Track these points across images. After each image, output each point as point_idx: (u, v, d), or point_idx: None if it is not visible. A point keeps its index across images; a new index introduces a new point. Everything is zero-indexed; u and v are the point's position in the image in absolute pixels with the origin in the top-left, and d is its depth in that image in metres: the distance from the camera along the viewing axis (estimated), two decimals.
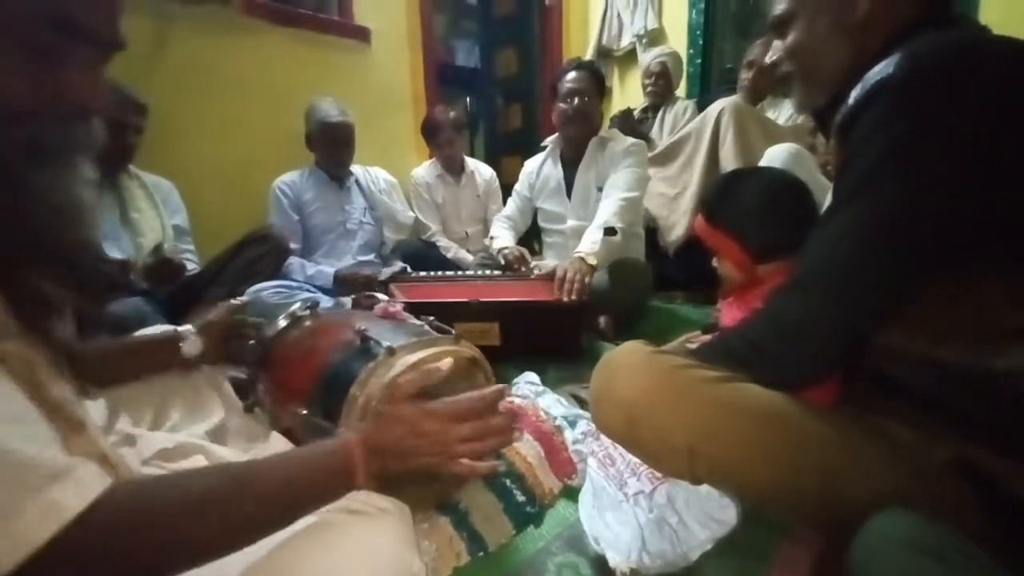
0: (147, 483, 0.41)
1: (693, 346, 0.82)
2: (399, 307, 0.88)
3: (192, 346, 0.77)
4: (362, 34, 2.31)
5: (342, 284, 1.75)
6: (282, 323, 0.85)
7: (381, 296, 0.98)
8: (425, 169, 2.32)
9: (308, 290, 1.70)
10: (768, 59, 0.74)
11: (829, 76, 0.65)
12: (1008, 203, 0.49)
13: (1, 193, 0.36)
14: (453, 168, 2.31)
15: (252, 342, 0.83)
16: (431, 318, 0.86)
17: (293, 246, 1.81)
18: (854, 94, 0.58)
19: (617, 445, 0.75)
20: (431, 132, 2.26)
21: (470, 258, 2.13)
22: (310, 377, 0.74)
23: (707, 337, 0.87)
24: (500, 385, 0.62)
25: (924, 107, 0.50)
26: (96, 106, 0.41)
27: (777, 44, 0.70)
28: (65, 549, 0.30)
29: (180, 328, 0.79)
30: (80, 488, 0.32)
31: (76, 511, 0.31)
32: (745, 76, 2.13)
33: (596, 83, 1.76)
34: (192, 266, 1.60)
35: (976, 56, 0.51)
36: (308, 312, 0.88)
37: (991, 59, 0.51)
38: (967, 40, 0.56)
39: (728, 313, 0.89)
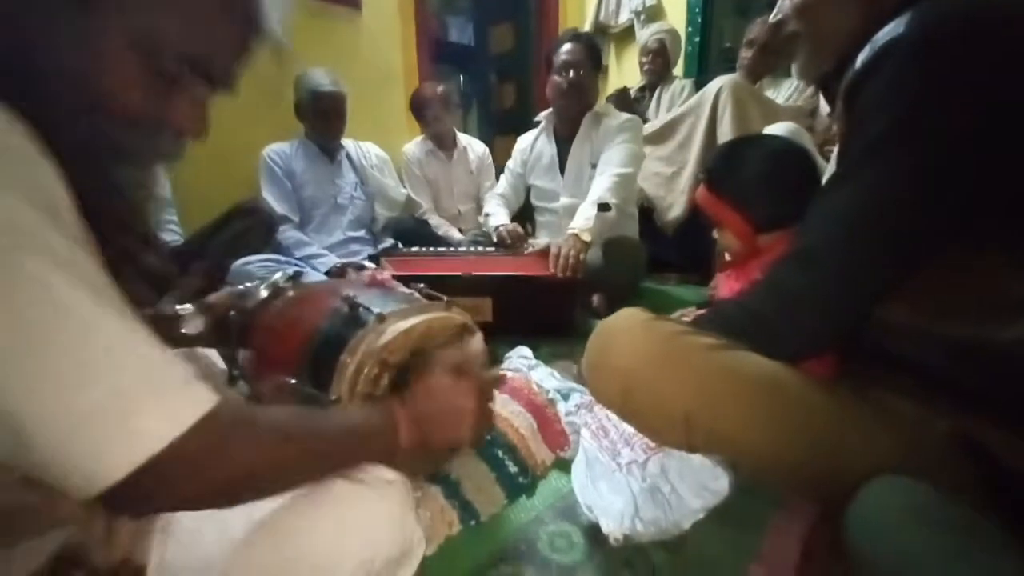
0: (246, 404, 0.45)
1: (688, 319, 0.81)
2: (387, 275, 0.86)
3: (193, 326, 0.75)
4: (351, 0, 2.24)
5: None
6: (264, 293, 0.82)
7: (369, 264, 0.95)
8: (416, 145, 2.27)
9: (298, 265, 1.66)
10: (773, 18, 0.71)
11: (837, 37, 0.63)
12: (1017, 170, 0.47)
13: (85, 176, 0.38)
14: (444, 144, 2.26)
15: (232, 313, 0.81)
16: (421, 285, 0.84)
17: (290, 216, 1.77)
18: (862, 57, 0.55)
19: (611, 416, 0.75)
20: (419, 108, 2.21)
21: (459, 237, 2.10)
22: (297, 346, 0.71)
23: (703, 312, 0.86)
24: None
25: (935, 70, 0.48)
26: (194, 133, 0.45)
27: (784, 2, 0.68)
28: (179, 453, 0.33)
29: (180, 307, 0.77)
30: (198, 399, 0.36)
31: (193, 420, 0.34)
32: (745, 55, 2.09)
33: (592, 56, 1.71)
34: (175, 237, 1.56)
35: (989, 15, 0.49)
36: (290, 283, 0.86)
37: (1004, 19, 0.49)
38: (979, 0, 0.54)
39: (726, 285, 0.88)
